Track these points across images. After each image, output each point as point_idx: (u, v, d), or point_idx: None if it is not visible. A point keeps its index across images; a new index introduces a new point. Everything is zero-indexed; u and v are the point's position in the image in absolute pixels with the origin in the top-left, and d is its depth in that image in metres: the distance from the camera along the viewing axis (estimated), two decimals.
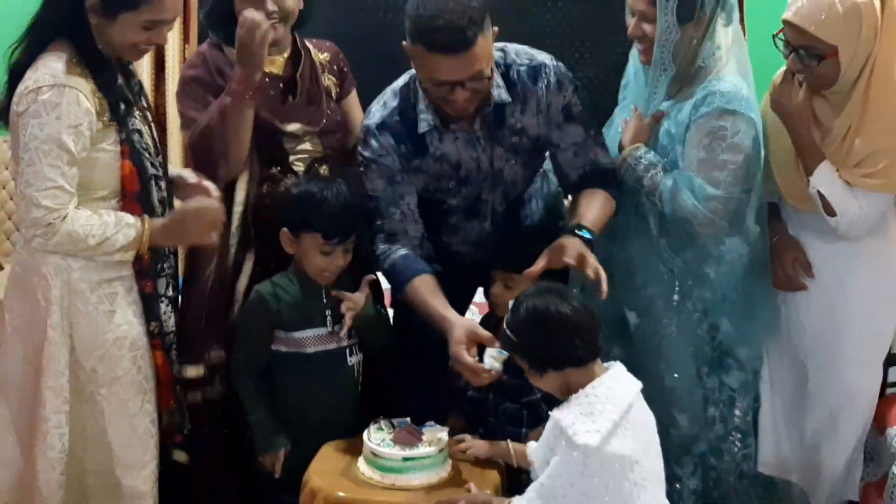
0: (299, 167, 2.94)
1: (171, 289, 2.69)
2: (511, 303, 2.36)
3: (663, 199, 2.74)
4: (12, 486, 2.59)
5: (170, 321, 2.68)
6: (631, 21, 2.76)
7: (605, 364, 2.32)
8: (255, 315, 2.74)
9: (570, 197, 2.89)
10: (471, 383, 2.61)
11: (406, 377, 2.95)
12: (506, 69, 2.71)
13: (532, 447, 2.45)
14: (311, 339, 2.77)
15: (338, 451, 2.66)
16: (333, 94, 3.05)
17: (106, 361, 2.53)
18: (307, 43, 3.03)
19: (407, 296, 2.70)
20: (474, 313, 3.10)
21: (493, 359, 2.55)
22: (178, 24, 3.88)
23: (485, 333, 2.52)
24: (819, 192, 2.70)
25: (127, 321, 2.55)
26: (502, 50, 2.73)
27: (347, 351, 2.79)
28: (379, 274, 2.90)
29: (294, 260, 2.78)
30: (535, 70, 2.72)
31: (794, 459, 2.94)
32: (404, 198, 2.77)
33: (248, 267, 2.87)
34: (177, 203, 2.70)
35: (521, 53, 2.74)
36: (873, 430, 2.92)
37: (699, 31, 2.69)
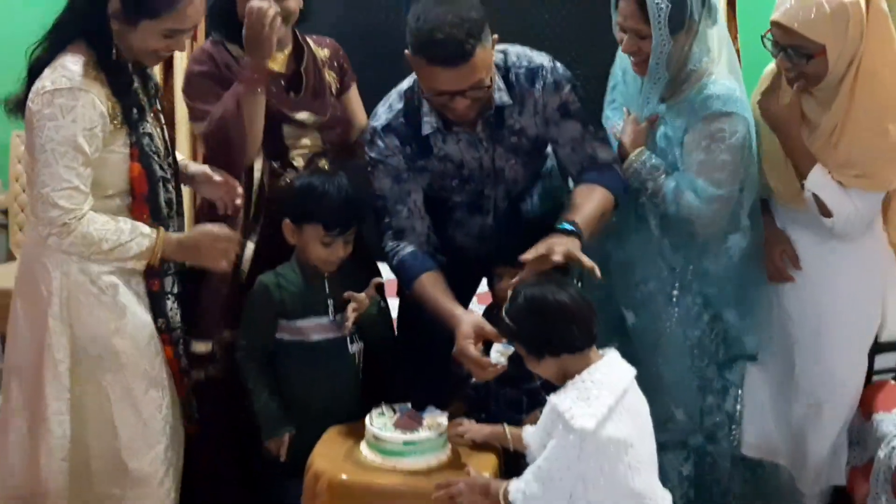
0: (299, 162, 2.99)
1: (176, 286, 2.71)
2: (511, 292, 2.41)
3: (667, 201, 2.78)
4: (21, 469, 2.62)
5: (176, 317, 2.70)
6: (621, 36, 2.78)
7: (601, 351, 2.36)
8: (258, 304, 2.78)
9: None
10: (476, 377, 2.66)
11: (410, 365, 2.99)
12: (506, 71, 2.74)
13: (528, 431, 2.49)
14: (314, 328, 2.81)
15: (341, 435, 2.70)
16: (334, 90, 3.09)
17: (109, 350, 2.55)
18: (308, 39, 3.06)
19: (415, 292, 2.75)
20: (473, 303, 3.14)
21: (500, 354, 2.61)
22: None
23: (491, 329, 2.56)
24: (814, 195, 2.74)
25: (129, 310, 2.58)
26: (503, 52, 2.76)
27: (348, 339, 2.83)
28: (380, 266, 2.95)
29: (297, 250, 2.82)
30: (533, 72, 2.75)
31: (781, 444, 2.99)
32: (410, 195, 2.81)
33: (248, 254, 2.92)
34: (196, 226, 2.73)
35: (522, 56, 2.77)
36: (859, 415, 2.96)
37: (689, 38, 2.72)
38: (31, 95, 2.47)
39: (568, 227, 2.57)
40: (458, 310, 2.66)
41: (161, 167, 2.64)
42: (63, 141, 2.42)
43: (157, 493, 2.64)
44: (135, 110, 2.56)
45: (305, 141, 3.01)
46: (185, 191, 2.90)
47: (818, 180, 2.73)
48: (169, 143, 2.72)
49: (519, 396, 2.73)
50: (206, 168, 2.79)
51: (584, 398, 2.25)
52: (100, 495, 2.61)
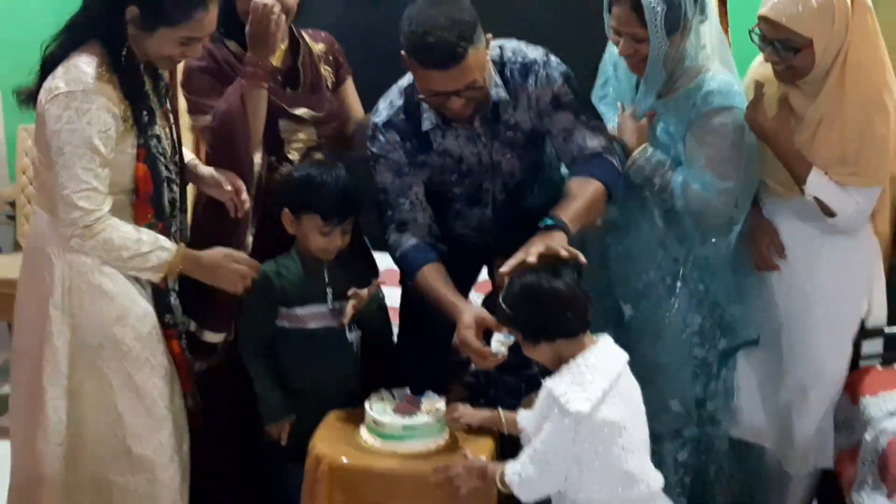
0: (294, 156, 3.01)
1: (177, 283, 2.73)
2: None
3: (675, 196, 2.80)
4: (23, 451, 2.65)
5: (179, 312, 2.73)
6: (615, 38, 2.80)
7: (594, 336, 2.40)
8: (259, 292, 2.79)
9: None
10: (477, 366, 2.71)
11: (412, 352, 3.04)
12: (501, 67, 2.76)
13: (523, 415, 2.53)
14: (313, 316, 2.84)
15: (341, 419, 2.74)
16: (329, 85, 3.10)
17: (110, 339, 2.57)
18: (303, 34, 3.07)
19: (418, 283, 2.78)
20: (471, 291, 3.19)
21: (500, 343, 2.65)
22: None
23: (492, 320, 2.60)
24: (816, 197, 2.77)
25: (131, 300, 2.60)
26: (500, 48, 2.78)
27: (347, 327, 2.86)
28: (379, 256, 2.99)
29: (296, 239, 2.85)
30: (527, 67, 2.76)
31: (768, 427, 3.02)
32: (412, 188, 2.85)
33: (246, 244, 2.93)
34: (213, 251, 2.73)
35: (517, 52, 2.79)
36: (847, 400, 2.99)
37: (684, 36, 2.74)
38: (44, 94, 2.49)
39: (549, 222, 2.59)
40: (459, 301, 2.71)
41: (167, 167, 2.66)
42: (80, 143, 2.45)
43: (162, 479, 2.65)
44: (145, 113, 2.59)
45: (301, 135, 3.03)
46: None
47: (817, 183, 2.75)
48: (176, 143, 2.74)
49: (518, 384, 2.78)
50: (215, 172, 2.80)
51: (578, 382, 2.29)
52: (104, 482, 2.62)
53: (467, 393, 2.85)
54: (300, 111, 2.99)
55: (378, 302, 2.98)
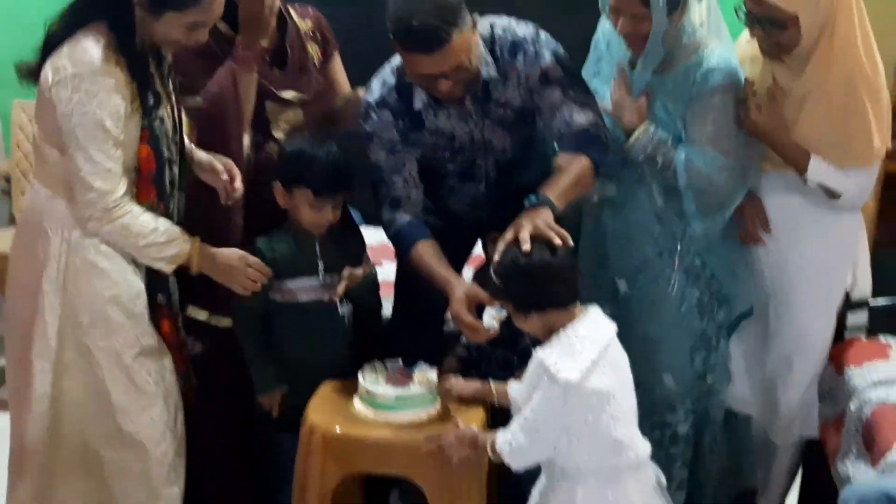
0: (280, 135, 3.00)
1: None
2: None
3: (678, 173, 2.80)
4: (16, 421, 2.68)
5: (176, 294, 2.74)
6: (615, 17, 2.79)
7: (583, 307, 2.42)
8: None
9: None
10: (470, 340, 2.74)
11: (407, 325, 3.08)
12: (492, 45, 2.76)
13: (513, 386, 2.56)
14: (304, 289, 2.86)
15: (335, 390, 2.77)
16: (317, 62, 3.07)
17: (101, 316, 2.57)
18: (290, 10, 3.03)
19: (412, 259, 2.81)
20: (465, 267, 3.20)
21: (492, 318, 2.67)
22: None
23: (484, 295, 2.62)
24: (819, 184, 2.79)
25: (125, 279, 2.60)
26: (490, 25, 2.77)
27: (339, 301, 2.88)
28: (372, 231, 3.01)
29: (289, 213, 2.87)
30: (516, 45, 2.76)
31: (753, 396, 3.05)
32: (406, 165, 2.86)
33: (237, 224, 2.92)
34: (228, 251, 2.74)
35: (507, 29, 2.78)
36: (832, 371, 3.03)
37: (682, 14, 2.76)
38: (50, 74, 2.48)
39: (534, 200, 2.60)
40: (452, 276, 2.73)
41: (168, 148, 2.65)
42: (92, 126, 2.45)
43: (154, 455, 2.65)
44: (150, 95, 2.59)
45: (287, 115, 3.02)
46: None
47: (817, 169, 2.77)
48: (177, 123, 2.73)
49: (510, 357, 2.80)
50: (211, 158, 2.79)
51: (568, 352, 2.32)
52: (95, 457, 2.64)
53: (460, 366, 2.88)
54: (288, 94, 2.97)
55: (371, 279, 2.99)
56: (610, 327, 2.44)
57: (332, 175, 2.82)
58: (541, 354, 2.36)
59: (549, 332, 2.39)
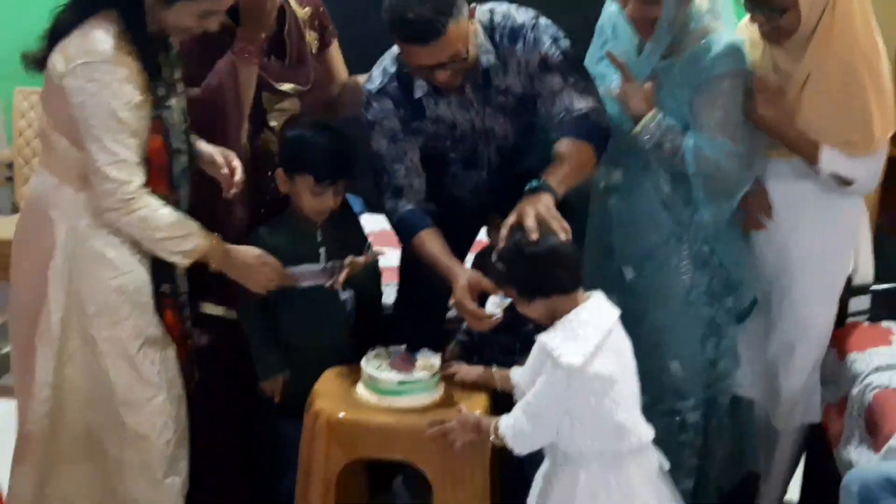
0: (275, 124, 3.00)
1: None
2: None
3: (686, 160, 2.79)
4: (21, 406, 2.68)
5: (184, 283, 2.72)
6: (623, 2, 2.78)
7: (587, 293, 2.43)
8: None
9: None
10: (473, 328, 2.75)
11: (411, 311, 3.10)
12: (491, 31, 2.75)
13: (516, 372, 2.57)
14: (306, 275, 2.87)
15: (339, 376, 2.78)
16: (314, 50, 3.06)
17: (106, 306, 2.56)
18: None
19: (415, 248, 2.81)
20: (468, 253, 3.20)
21: (495, 305, 2.68)
22: None
23: (487, 282, 2.63)
24: (831, 173, 2.79)
25: (130, 268, 2.59)
26: (490, 12, 2.77)
27: (340, 287, 2.89)
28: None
29: (290, 200, 2.88)
30: (515, 32, 2.75)
31: (755, 382, 3.05)
32: (407, 153, 2.86)
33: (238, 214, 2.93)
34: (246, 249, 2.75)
35: (506, 16, 2.77)
36: (834, 356, 3.04)
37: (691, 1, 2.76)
38: (61, 63, 2.46)
39: (535, 184, 2.59)
40: (455, 264, 2.73)
41: (178, 139, 2.64)
42: (106, 116, 2.44)
43: (157, 445, 2.65)
44: (161, 84, 2.57)
45: (284, 104, 3.02)
46: None
47: (828, 159, 2.76)
48: (185, 113, 2.71)
49: (513, 343, 2.80)
50: (213, 150, 2.77)
51: (571, 337, 2.33)
52: (98, 445, 2.64)
53: (463, 352, 2.88)
54: (286, 86, 2.97)
55: (372, 268, 3.00)
56: (613, 312, 2.44)
57: (333, 161, 2.83)
58: (544, 339, 2.37)
59: (552, 318, 2.40)
